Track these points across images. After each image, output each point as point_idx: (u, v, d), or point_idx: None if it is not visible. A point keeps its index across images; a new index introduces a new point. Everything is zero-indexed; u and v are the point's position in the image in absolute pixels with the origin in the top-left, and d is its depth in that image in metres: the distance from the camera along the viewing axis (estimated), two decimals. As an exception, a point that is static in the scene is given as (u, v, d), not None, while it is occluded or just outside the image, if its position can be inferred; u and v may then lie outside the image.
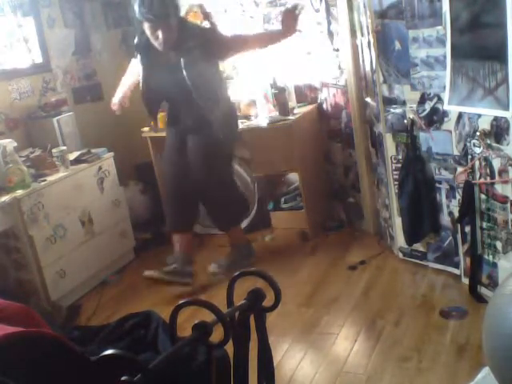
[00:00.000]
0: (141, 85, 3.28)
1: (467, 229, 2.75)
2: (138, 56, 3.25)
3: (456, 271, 2.95)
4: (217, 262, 3.46)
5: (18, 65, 3.78)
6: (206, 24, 3.96)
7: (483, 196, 2.60)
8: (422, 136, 2.86)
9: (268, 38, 3.37)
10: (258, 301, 1.44)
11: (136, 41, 3.26)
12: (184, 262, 3.38)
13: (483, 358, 1.21)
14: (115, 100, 3.52)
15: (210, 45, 3.12)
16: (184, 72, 3.08)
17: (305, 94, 3.97)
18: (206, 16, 3.83)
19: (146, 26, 3.04)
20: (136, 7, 3.00)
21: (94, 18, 4.41)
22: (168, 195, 3.54)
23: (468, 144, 2.59)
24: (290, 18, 3.12)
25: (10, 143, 3.19)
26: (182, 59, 3.08)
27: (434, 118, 2.76)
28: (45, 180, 3.27)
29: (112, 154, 3.74)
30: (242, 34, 3.53)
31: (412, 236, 3.07)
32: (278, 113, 3.77)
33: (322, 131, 3.97)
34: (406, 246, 3.17)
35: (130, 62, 3.49)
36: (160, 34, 3.01)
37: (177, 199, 3.41)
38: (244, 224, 4.04)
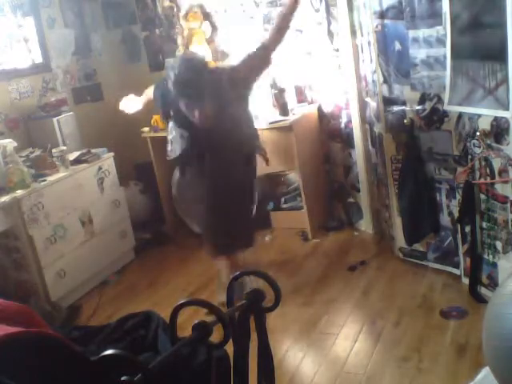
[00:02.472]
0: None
1: (467, 229, 2.75)
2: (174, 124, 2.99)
3: (456, 271, 2.95)
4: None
5: (18, 65, 3.79)
6: (206, 23, 3.94)
7: (483, 196, 2.60)
8: (422, 136, 2.87)
9: (283, 22, 2.92)
10: (258, 301, 1.44)
11: (172, 113, 2.99)
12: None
13: (483, 358, 1.21)
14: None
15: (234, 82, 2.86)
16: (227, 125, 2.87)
17: (305, 94, 3.97)
18: (206, 16, 3.81)
19: (182, 104, 2.83)
20: (170, 84, 2.81)
21: (94, 18, 4.42)
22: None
23: (468, 144, 2.59)
24: None
25: (10, 143, 3.19)
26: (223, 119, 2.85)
27: (434, 118, 2.76)
28: (45, 180, 3.27)
29: (112, 154, 3.74)
30: (257, 49, 2.91)
31: (412, 236, 3.07)
32: (278, 113, 3.77)
33: (321, 131, 3.97)
34: (406, 246, 3.17)
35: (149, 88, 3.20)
36: (197, 113, 2.79)
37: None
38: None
